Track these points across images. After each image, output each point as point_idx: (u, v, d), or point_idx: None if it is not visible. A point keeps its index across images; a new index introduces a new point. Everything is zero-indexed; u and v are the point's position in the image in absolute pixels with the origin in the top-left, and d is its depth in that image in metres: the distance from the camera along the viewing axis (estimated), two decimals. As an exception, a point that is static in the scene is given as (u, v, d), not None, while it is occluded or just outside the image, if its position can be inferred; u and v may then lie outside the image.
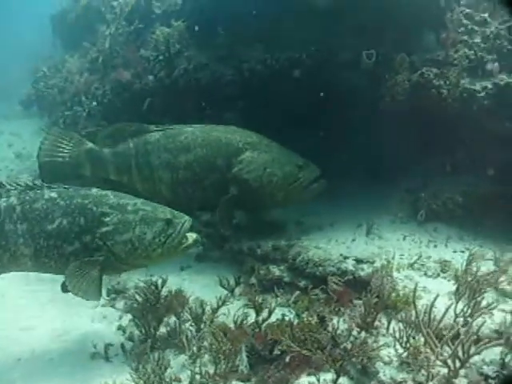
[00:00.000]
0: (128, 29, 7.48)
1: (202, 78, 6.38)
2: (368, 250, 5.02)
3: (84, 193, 4.25)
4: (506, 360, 3.39)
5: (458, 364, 3.35)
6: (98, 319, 5.04)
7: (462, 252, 5.10)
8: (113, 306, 5.27)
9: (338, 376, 3.55)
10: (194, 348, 4.21)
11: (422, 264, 4.81)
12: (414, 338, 3.64)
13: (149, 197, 4.70)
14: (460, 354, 3.34)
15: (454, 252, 5.14)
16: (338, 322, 3.91)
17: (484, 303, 3.87)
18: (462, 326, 3.66)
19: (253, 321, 4.25)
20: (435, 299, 3.69)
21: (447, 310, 3.70)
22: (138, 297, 4.71)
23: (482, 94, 5.33)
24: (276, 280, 5.06)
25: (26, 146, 10.63)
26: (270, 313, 4.24)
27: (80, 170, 5.67)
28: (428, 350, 3.53)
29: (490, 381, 3.34)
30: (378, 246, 5.16)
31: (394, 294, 4.19)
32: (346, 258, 4.81)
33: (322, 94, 5.72)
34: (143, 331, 4.50)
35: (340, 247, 5.08)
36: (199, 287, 5.32)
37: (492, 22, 5.54)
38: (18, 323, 4.87)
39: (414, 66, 5.67)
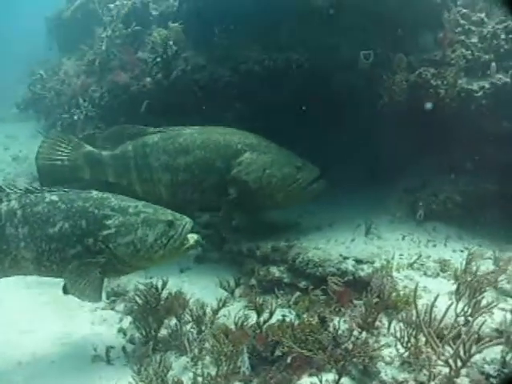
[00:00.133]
0: (125, 31, 7.44)
1: (200, 79, 6.38)
2: (367, 249, 5.02)
3: (85, 196, 4.25)
4: (507, 359, 3.41)
5: (459, 363, 3.36)
6: (99, 322, 5.05)
7: (461, 251, 5.12)
8: (113, 309, 5.26)
9: (340, 376, 3.56)
10: (196, 350, 4.22)
11: (421, 264, 4.82)
12: (415, 337, 3.64)
13: (148, 199, 4.69)
14: (461, 353, 3.35)
15: (454, 251, 5.16)
16: (339, 322, 3.93)
17: (484, 302, 3.88)
18: (463, 326, 3.68)
19: (254, 322, 4.25)
20: (436, 299, 3.70)
21: (448, 309, 3.72)
22: (138, 299, 4.71)
23: (480, 93, 5.35)
24: (276, 281, 5.07)
25: (23, 149, 10.60)
26: (272, 314, 4.25)
27: (79, 173, 5.65)
28: (429, 350, 3.54)
29: (491, 379, 3.36)
30: (378, 246, 5.17)
31: (394, 294, 4.20)
32: (345, 258, 4.82)
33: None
34: (144, 333, 4.50)
35: (339, 247, 5.08)
36: (199, 289, 5.32)
37: (489, 22, 5.56)
38: (19, 327, 4.86)
39: (411, 66, 5.69)
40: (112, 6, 7.74)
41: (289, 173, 5.44)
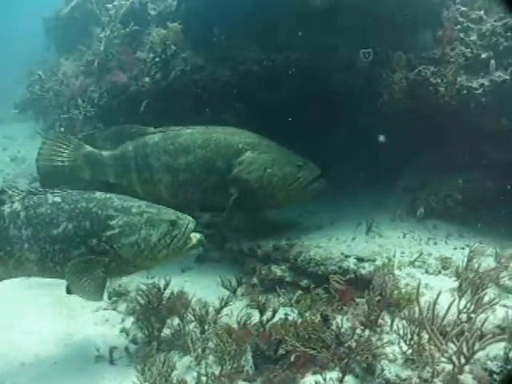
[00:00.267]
0: (123, 31, 7.46)
1: (199, 79, 6.38)
2: (369, 248, 5.04)
3: (88, 196, 4.25)
4: (510, 355, 3.41)
5: (462, 360, 3.36)
6: (101, 322, 5.04)
7: (463, 249, 5.13)
8: (115, 309, 5.25)
9: (344, 374, 3.57)
10: (199, 349, 4.22)
11: (422, 261, 4.83)
12: (418, 335, 3.65)
13: (149, 199, 4.69)
14: (465, 350, 3.36)
15: (455, 249, 5.17)
16: (342, 320, 3.93)
17: (486, 299, 3.89)
18: (466, 323, 3.69)
19: (256, 321, 4.26)
20: (438, 296, 3.71)
21: (450, 306, 3.72)
22: (140, 299, 4.71)
23: (479, 91, 5.36)
24: (278, 280, 5.08)
25: (21, 150, 10.61)
26: (275, 312, 4.26)
27: (79, 174, 5.65)
28: (432, 347, 3.55)
29: (494, 376, 3.37)
30: (379, 244, 5.17)
31: (396, 292, 4.21)
32: (347, 256, 4.84)
33: (316, 96, 5.73)
34: (147, 333, 4.51)
35: (341, 246, 5.09)
36: (201, 288, 5.31)
37: (488, 20, 5.58)
38: (21, 328, 4.86)
39: (410, 65, 5.69)
40: (110, 6, 7.75)
41: (290, 172, 5.44)
